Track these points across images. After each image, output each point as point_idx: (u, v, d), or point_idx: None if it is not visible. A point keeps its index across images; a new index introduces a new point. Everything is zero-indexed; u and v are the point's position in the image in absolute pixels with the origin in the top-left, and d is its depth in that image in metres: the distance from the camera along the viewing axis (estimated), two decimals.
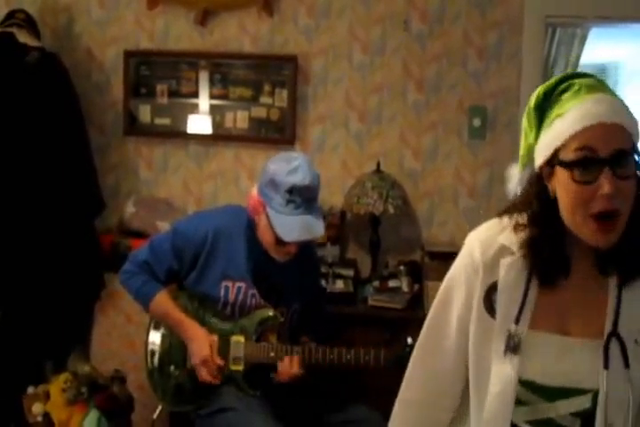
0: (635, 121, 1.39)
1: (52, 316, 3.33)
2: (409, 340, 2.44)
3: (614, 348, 1.42)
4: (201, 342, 2.50)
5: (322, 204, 3.50)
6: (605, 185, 1.32)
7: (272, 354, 2.49)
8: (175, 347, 2.62)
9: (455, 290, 1.55)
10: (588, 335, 1.45)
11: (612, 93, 1.41)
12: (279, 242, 2.49)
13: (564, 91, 1.42)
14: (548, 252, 1.43)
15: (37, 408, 3.02)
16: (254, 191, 2.54)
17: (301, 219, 2.44)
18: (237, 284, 2.56)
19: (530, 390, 1.47)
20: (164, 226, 3.37)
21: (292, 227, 2.43)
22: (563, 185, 1.38)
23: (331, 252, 3.41)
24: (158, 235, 2.74)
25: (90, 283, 3.46)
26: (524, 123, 1.49)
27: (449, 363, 1.57)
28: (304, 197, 2.44)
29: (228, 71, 3.61)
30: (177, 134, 3.68)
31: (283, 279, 2.61)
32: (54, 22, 3.70)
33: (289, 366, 2.45)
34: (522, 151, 1.50)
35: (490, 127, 3.49)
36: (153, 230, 3.39)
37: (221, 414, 2.48)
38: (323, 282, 3.20)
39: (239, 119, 3.63)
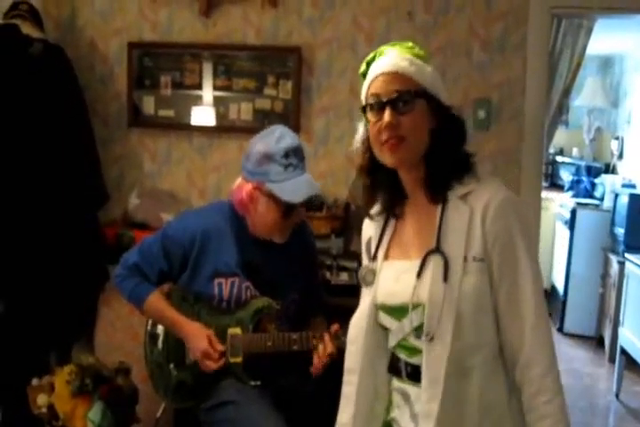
0: (423, 72, 1.70)
1: (56, 308, 3.34)
2: None
3: (436, 262, 1.64)
4: (197, 337, 2.51)
5: (326, 195, 3.52)
6: (385, 118, 1.65)
7: (269, 343, 2.49)
8: (173, 345, 2.63)
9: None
10: (418, 256, 1.69)
11: (406, 51, 1.75)
12: (285, 214, 2.51)
13: (376, 56, 1.77)
14: (385, 190, 1.78)
15: (42, 400, 3.03)
16: (241, 182, 2.55)
17: (302, 178, 2.52)
18: (230, 279, 2.56)
19: (386, 313, 1.74)
20: (167, 218, 3.38)
21: (298, 188, 2.49)
22: (370, 130, 1.72)
23: (335, 244, 3.40)
24: (147, 237, 2.74)
25: (94, 275, 3.46)
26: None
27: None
28: (299, 157, 2.52)
29: (231, 63, 3.60)
30: (181, 126, 3.68)
31: (276, 270, 2.60)
32: (58, 14, 3.69)
33: (323, 349, 2.43)
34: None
35: (495, 119, 3.48)
36: (157, 222, 3.39)
37: (223, 407, 2.48)
38: (327, 274, 3.20)
39: (243, 111, 3.62)
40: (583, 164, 6.86)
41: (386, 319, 1.75)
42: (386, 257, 1.78)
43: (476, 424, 1.63)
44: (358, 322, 1.80)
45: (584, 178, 6.62)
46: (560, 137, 6.94)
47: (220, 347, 2.51)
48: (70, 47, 3.57)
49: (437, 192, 1.69)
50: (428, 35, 3.49)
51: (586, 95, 6.72)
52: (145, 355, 2.71)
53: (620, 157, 6.37)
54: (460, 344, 1.60)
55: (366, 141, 1.75)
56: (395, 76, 1.68)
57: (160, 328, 2.69)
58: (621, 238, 5.08)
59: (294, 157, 2.49)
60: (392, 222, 1.80)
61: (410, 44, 1.80)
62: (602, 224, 5.63)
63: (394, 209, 1.79)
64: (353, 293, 3.16)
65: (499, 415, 1.65)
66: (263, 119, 3.59)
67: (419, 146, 1.68)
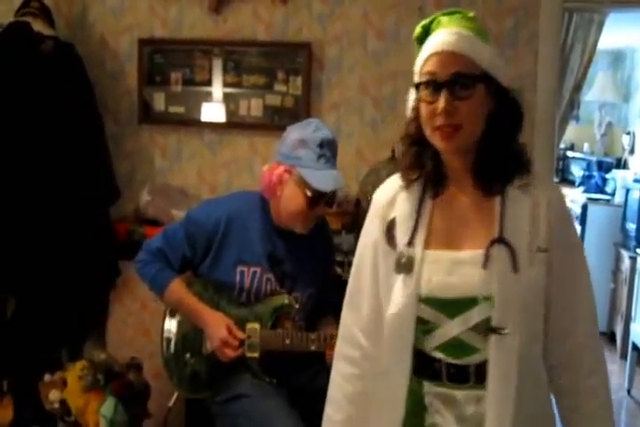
0: (485, 53, 1.59)
1: (67, 304, 3.36)
2: None
3: (501, 252, 1.55)
4: (216, 326, 2.51)
5: (336, 191, 3.51)
6: (441, 103, 1.53)
7: (287, 341, 2.49)
8: (190, 334, 2.63)
9: (365, 238, 1.74)
10: (477, 247, 1.58)
11: (468, 28, 1.62)
12: (311, 204, 2.52)
13: (435, 26, 1.68)
14: (428, 163, 1.64)
15: (54, 395, 3.05)
16: (272, 165, 2.56)
17: (331, 173, 2.54)
18: (252, 268, 2.56)
19: (433, 308, 1.58)
20: (178, 214, 3.38)
21: (327, 178, 2.51)
22: (421, 107, 1.60)
23: (346, 240, 3.40)
24: (172, 223, 2.75)
25: (105, 271, 3.47)
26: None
27: (369, 311, 1.71)
28: (332, 151, 2.54)
29: (241, 59, 3.60)
30: (191, 122, 3.68)
31: (297, 264, 2.61)
32: (69, 11, 3.70)
33: None
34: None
35: None
36: (168, 218, 3.40)
37: (236, 400, 2.49)
38: (338, 270, 3.20)
39: (253, 107, 3.62)
40: (594, 159, 6.83)
41: (431, 315, 1.59)
42: (426, 245, 1.61)
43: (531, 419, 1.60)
44: (398, 317, 1.60)
45: (595, 173, 6.59)
46: (571, 132, 6.90)
47: (240, 335, 2.51)
48: (81, 44, 3.57)
49: (493, 182, 1.60)
50: None
51: (597, 90, 6.69)
52: (161, 344, 2.70)
53: (632, 151, 6.34)
54: (526, 338, 1.56)
55: (415, 111, 1.64)
56: (454, 56, 1.56)
57: (178, 317, 2.67)
58: (633, 234, 5.06)
59: (328, 149, 2.52)
60: (428, 205, 1.65)
61: (471, 14, 1.68)
62: (613, 219, 5.61)
63: (434, 190, 1.66)
64: None
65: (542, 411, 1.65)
66: (273, 115, 3.59)
67: (474, 133, 1.58)
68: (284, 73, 3.57)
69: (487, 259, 1.54)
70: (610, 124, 6.97)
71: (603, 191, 6.34)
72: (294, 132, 2.56)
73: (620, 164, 6.55)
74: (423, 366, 1.61)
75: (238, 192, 2.90)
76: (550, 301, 1.60)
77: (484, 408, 1.55)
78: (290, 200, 2.53)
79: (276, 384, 2.51)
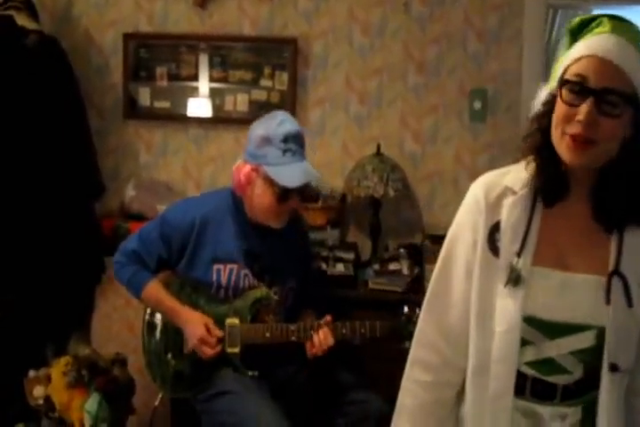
0: None
1: (52, 299, 3.34)
2: (405, 308, 2.45)
3: (616, 286, 1.47)
4: (194, 324, 2.51)
5: (322, 186, 3.52)
6: (583, 112, 1.40)
7: (267, 334, 2.50)
8: (170, 335, 2.63)
9: (460, 236, 1.60)
10: (590, 271, 1.49)
11: (633, 41, 1.46)
12: (281, 199, 2.52)
13: (596, 26, 1.50)
14: (549, 161, 1.50)
15: (38, 391, 3.03)
16: (240, 164, 2.57)
17: (299, 166, 2.52)
18: (229, 266, 2.57)
19: (533, 327, 1.50)
20: (164, 209, 3.37)
21: (294, 173, 2.50)
22: (558, 104, 1.47)
23: (331, 235, 3.41)
24: (146, 224, 2.75)
25: (90, 266, 3.46)
26: (564, 45, 1.58)
27: (457, 317, 1.59)
28: (298, 144, 2.53)
29: (227, 54, 3.59)
30: (177, 117, 3.67)
31: (274, 258, 2.62)
32: (53, 5, 3.67)
33: (324, 339, 2.46)
34: (554, 71, 1.55)
35: (490, 110, 3.48)
36: (153, 214, 3.38)
37: (220, 397, 2.49)
38: (323, 265, 3.21)
39: (239, 102, 3.62)
40: None
41: (528, 333, 1.51)
42: (535, 260, 1.51)
43: None
44: (511, 335, 1.50)
45: None
46: None
47: (217, 333, 2.51)
48: (65, 39, 3.55)
49: (613, 217, 1.50)
50: (423, 26, 3.49)
51: None
52: (142, 344, 2.71)
53: None
54: (633, 370, 1.53)
55: (548, 106, 1.51)
56: (611, 67, 1.41)
57: (158, 318, 2.69)
58: None
59: (293, 143, 2.50)
60: (539, 214, 1.53)
61: (637, 27, 1.51)
62: None
63: (550, 198, 1.52)
64: (349, 284, 3.21)
65: None
66: (259, 110, 3.57)
67: (606, 155, 1.45)
68: (269, 68, 3.57)
69: (609, 291, 1.46)
70: None
71: None
72: (258, 128, 2.55)
73: None
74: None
75: (212, 191, 2.91)
76: None
77: None
78: (260, 198, 2.53)
79: (258, 378, 2.52)
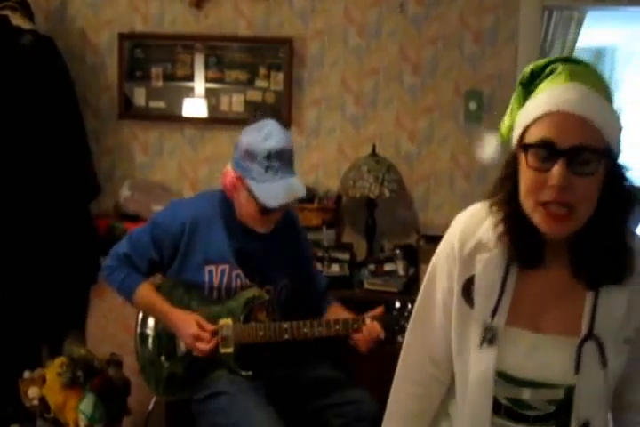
0: (613, 123, 1.34)
1: (48, 300, 3.34)
2: (397, 304, 2.44)
3: (590, 348, 1.42)
4: (186, 324, 2.50)
5: (317, 187, 3.52)
6: (556, 176, 1.29)
7: (261, 333, 2.50)
8: (163, 338, 2.63)
9: (437, 275, 1.58)
10: (561, 333, 1.45)
11: (597, 87, 1.34)
12: (263, 211, 2.50)
13: (549, 73, 1.38)
14: (523, 232, 1.40)
15: (33, 392, 3.02)
16: (229, 169, 2.55)
17: (282, 183, 2.45)
18: (220, 266, 2.56)
19: (503, 380, 1.49)
20: (159, 209, 3.37)
21: (276, 192, 2.44)
22: (522, 168, 1.36)
23: (326, 235, 3.41)
24: (136, 228, 2.74)
25: (86, 267, 3.45)
26: (513, 98, 1.46)
27: (440, 341, 1.59)
28: (282, 161, 2.45)
29: (223, 54, 3.59)
30: (172, 118, 3.67)
31: (266, 257, 2.61)
32: (48, 5, 3.67)
33: (374, 330, 2.42)
34: (506, 122, 1.47)
35: (486, 111, 3.48)
36: (148, 214, 3.37)
37: (215, 398, 2.48)
38: (319, 266, 3.21)
39: (235, 102, 3.62)
40: None
41: (499, 382, 1.50)
42: (508, 320, 1.47)
43: None
44: (483, 388, 1.50)
45: None
46: None
47: (209, 327, 2.50)
48: (61, 38, 3.55)
49: (591, 275, 1.41)
50: (419, 27, 3.49)
51: None
52: (135, 349, 2.71)
53: None
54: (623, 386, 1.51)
55: (511, 179, 1.41)
56: (578, 121, 1.30)
57: (151, 323, 2.68)
58: None
59: (276, 160, 2.43)
60: (514, 273, 1.46)
61: (594, 67, 1.39)
62: None
63: (525, 260, 1.45)
64: (344, 284, 3.21)
65: None
66: (255, 111, 3.58)
67: (586, 217, 1.34)
68: (265, 68, 3.57)
69: (579, 360, 1.42)
70: None
71: None
72: (245, 138, 2.49)
73: None
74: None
75: (203, 192, 2.90)
76: (622, 377, 1.50)
77: None
78: (245, 207, 2.52)
79: (253, 379, 2.52)
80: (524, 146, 1.35)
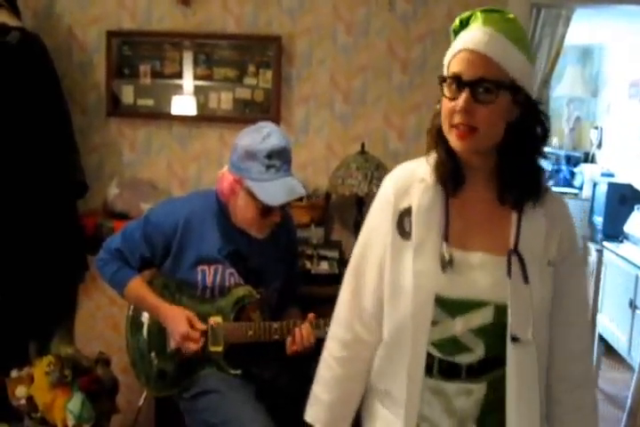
0: (518, 63, 1.55)
1: (35, 298, 3.32)
2: None
3: (514, 264, 1.58)
4: (177, 320, 2.50)
5: (306, 185, 3.51)
6: (460, 103, 1.53)
7: (250, 333, 2.50)
8: (154, 333, 2.63)
9: (374, 225, 1.73)
10: (489, 251, 1.61)
11: (507, 33, 1.55)
12: (263, 213, 2.50)
13: (471, 20, 1.61)
14: (446, 157, 1.63)
15: (21, 391, 3.01)
16: (225, 172, 2.55)
17: (283, 182, 2.48)
18: (214, 266, 2.56)
19: (439, 307, 1.60)
20: (147, 207, 3.35)
21: (277, 190, 2.46)
22: (442, 99, 1.61)
23: (315, 233, 3.41)
24: (131, 223, 2.74)
25: (73, 265, 3.44)
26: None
27: (370, 299, 1.71)
28: (282, 160, 2.48)
29: (212, 52, 3.58)
30: (160, 115, 3.66)
31: (261, 259, 2.61)
32: (35, 2, 3.64)
33: (306, 336, 2.45)
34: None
35: None
36: (137, 212, 3.37)
37: (204, 396, 2.49)
38: (307, 264, 3.21)
39: (223, 100, 3.61)
40: (562, 153, 6.88)
41: (436, 314, 1.61)
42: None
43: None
44: (423, 314, 1.60)
45: (563, 167, 6.65)
46: None
47: (200, 326, 2.50)
48: (48, 36, 3.53)
49: (512, 196, 1.62)
50: (408, 24, 3.49)
51: (565, 85, 6.74)
52: (126, 343, 2.70)
53: (599, 146, 6.41)
54: (541, 347, 1.62)
55: (438, 117, 1.64)
56: (482, 58, 1.53)
57: (143, 316, 2.68)
58: (600, 227, 5.11)
59: (277, 159, 2.46)
60: (447, 200, 1.64)
61: (511, 16, 1.61)
62: (581, 213, 5.66)
63: (451, 188, 1.65)
64: (333, 282, 3.20)
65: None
66: (243, 109, 3.58)
67: (491, 139, 1.58)
68: (254, 66, 3.56)
69: (510, 267, 1.58)
70: (578, 119, 7.03)
71: (571, 185, 6.41)
72: (244, 140, 2.51)
73: (588, 158, 6.61)
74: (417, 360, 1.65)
75: (197, 192, 2.90)
76: (551, 314, 1.65)
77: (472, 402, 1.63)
78: (243, 210, 2.52)
79: (242, 377, 2.52)
80: (442, 80, 1.60)
